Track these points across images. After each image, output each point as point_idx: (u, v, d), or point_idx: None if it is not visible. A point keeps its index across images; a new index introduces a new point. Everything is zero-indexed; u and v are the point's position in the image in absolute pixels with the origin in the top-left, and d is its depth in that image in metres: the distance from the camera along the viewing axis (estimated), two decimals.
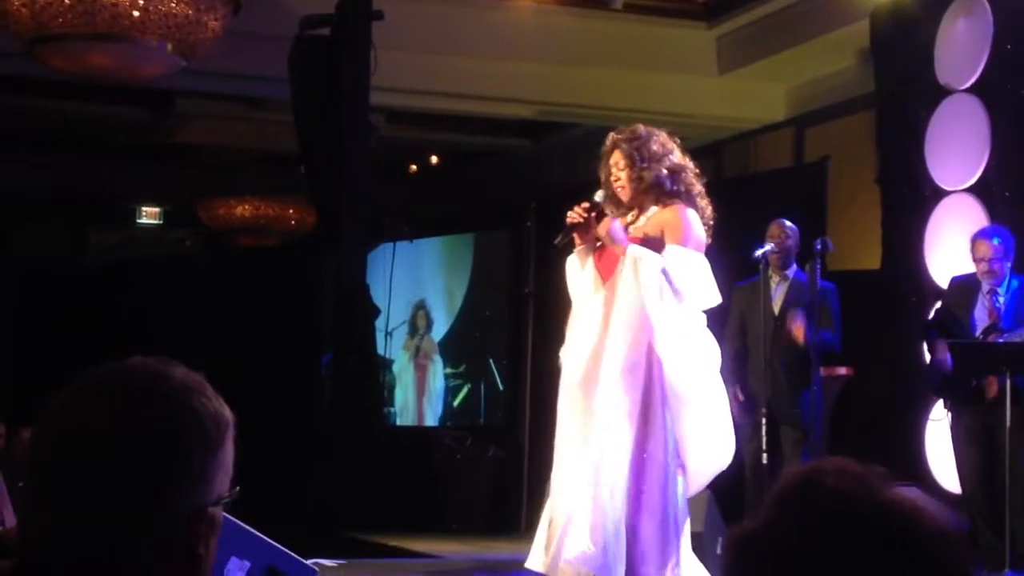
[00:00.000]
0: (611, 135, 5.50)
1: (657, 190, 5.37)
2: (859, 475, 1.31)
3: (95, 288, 14.35)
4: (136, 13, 8.51)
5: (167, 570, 1.48)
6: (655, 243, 5.33)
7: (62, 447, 1.49)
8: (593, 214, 5.41)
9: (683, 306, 5.19)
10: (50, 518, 1.48)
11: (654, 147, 5.37)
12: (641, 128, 5.46)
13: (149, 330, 11.65)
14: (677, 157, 5.42)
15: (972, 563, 1.29)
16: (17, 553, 1.51)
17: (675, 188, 5.36)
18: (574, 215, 5.39)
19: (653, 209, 5.39)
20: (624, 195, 5.41)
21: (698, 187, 5.44)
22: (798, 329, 7.54)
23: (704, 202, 5.44)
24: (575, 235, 5.44)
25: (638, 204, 5.43)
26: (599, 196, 5.45)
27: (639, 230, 5.39)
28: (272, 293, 12.78)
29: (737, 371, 7.55)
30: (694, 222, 5.33)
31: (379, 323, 11.50)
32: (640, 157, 5.36)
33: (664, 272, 5.17)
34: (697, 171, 5.49)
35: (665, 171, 5.35)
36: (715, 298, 5.31)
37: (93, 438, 1.47)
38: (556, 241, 5.50)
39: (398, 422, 13.16)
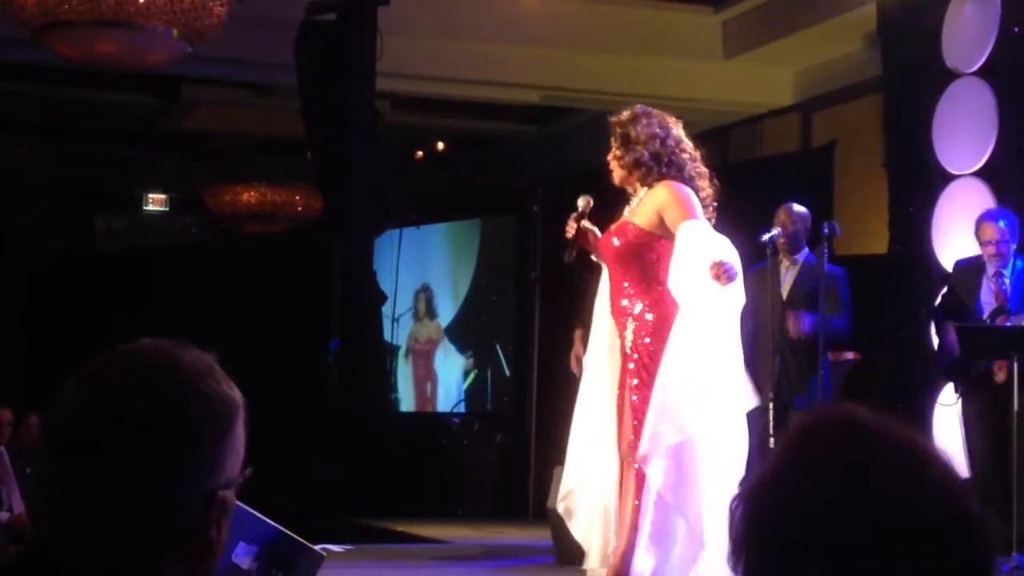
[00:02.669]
0: (610, 118, 5.48)
1: (639, 171, 5.31)
2: (876, 416, 1.30)
3: (102, 275, 14.37)
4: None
5: (179, 554, 1.49)
6: (645, 240, 5.27)
7: (72, 432, 1.49)
8: (583, 221, 5.39)
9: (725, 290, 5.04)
10: (61, 503, 1.49)
11: (639, 129, 5.30)
12: (637, 109, 5.40)
13: (156, 317, 11.66)
14: (672, 139, 5.32)
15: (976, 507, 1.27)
16: (25, 539, 1.52)
17: (661, 170, 5.28)
18: (568, 229, 5.39)
19: (642, 192, 5.36)
20: (615, 179, 5.40)
21: (695, 168, 5.33)
22: (794, 327, 7.51)
23: (704, 183, 5.35)
24: (581, 244, 5.43)
25: (630, 186, 5.41)
26: (581, 203, 5.43)
27: (632, 213, 5.36)
28: (279, 280, 12.79)
29: (750, 362, 7.52)
30: (690, 193, 5.24)
31: (386, 309, 11.51)
32: (625, 139, 5.33)
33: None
34: (696, 153, 5.38)
35: (647, 153, 5.28)
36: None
37: (103, 422, 1.47)
38: (565, 258, 5.48)
39: (404, 408, 13.18)
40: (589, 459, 5.33)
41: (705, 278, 4.98)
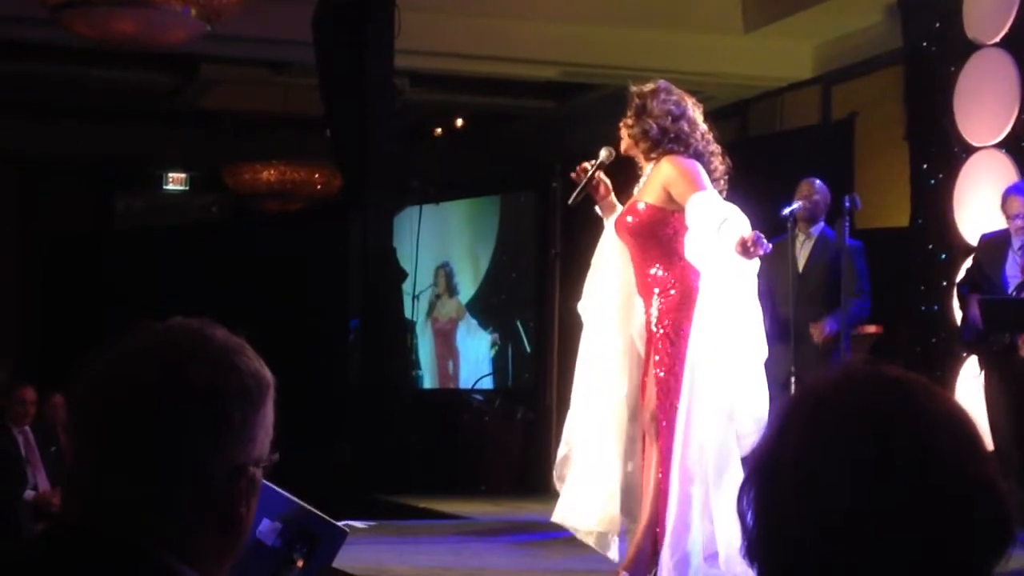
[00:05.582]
0: (631, 87, 5.47)
1: (644, 143, 5.29)
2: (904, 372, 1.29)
3: (123, 254, 14.40)
4: None
5: (209, 528, 1.49)
6: (658, 216, 5.25)
7: (103, 405, 1.50)
8: (598, 172, 5.39)
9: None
10: (91, 476, 1.49)
11: (655, 102, 5.29)
12: (659, 83, 5.39)
13: (176, 295, 11.69)
14: (686, 120, 5.30)
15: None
16: (50, 517, 1.53)
17: (667, 146, 5.26)
18: (577, 173, 5.39)
19: (649, 167, 5.35)
20: (622, 146, 5.40)
21: (705, 148, 5.30)
22: (819, 334, 7.49)
23: (716, 160, 5.32)
24: (590, 192, 5.43)
25: (635, 156, 5.40)
26: (603, 154, 5.43)
27: (641, 192, 5.34)
28: (299, 257, 12.80)
29: (769, 336, 7.51)
30: (696, 165, 5.22)
31: (406, 286, 11.51)
32: (640, 109, 5.32)
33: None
34: (709, 135, 5.35)
35: (656, 127, 5.26)
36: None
37: (137, 396, 1.48)
38: (570, 201, 5.49)
39: (426, 385, 13.20)
40: (585, 421, 5.35)
41: (722, 248, 4.98)
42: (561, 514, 5.40)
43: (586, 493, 5.34)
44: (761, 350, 5.16)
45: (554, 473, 5.47)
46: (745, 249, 4.91)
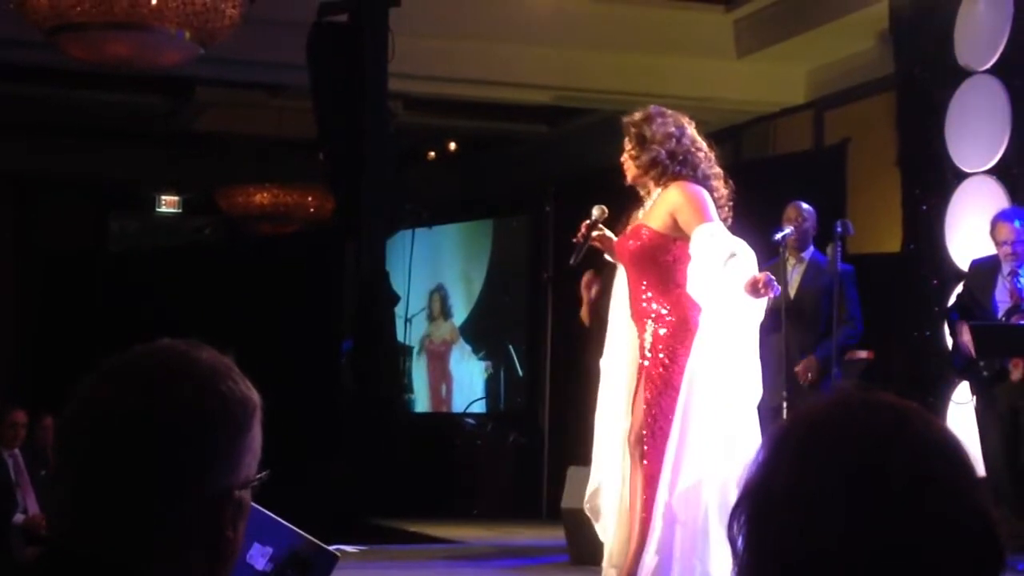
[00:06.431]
0: (623, 118, 5.46)
1: (655, 170, 5.26)
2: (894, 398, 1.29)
3: (116, 277, 14.40)
4: (154, 1, 8.52)
5: (196, 553, 1.49)
6: (660, 242, 5.26)
7: (90, 429, 1.49)
8: (594, 232, 5.39)
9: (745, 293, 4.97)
10: (77, 500, 1.49)
11: (654, 128, 5.26)
12: (651, 109, 5.37)
13: (169, 319, 11.68)
14: (687, 139, 5.29)
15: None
16: (40, 540, 1.52)
17: (676, 169, 5.24)
18: (578, 237, 5.41)
19: (656, 192, 5.33)
20: (628, 176, 5.39)
21: (710, 169, 5.29)
22: (805, 374, 7.51)
23: (719, 183, 5.31)
24: (593, 245, 5.43)
25: (643, 185, 5.39)
26: (596, 213, 5.42)
27: (646, 216, 5.34)
28: (292, 280, 12.80)
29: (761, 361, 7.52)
30: (704, 194, 5.20)
31: (398, 309, 11.51)
32: (641, 139, 5.32)
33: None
34: (710, 154, 5.35)
35: (664, 152, 5.25)
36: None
37: (121, 419, 1.48)
38: (571, 261, 5.48)
39: (419, 408, 13.19)
40: (611, 460, 5.34)
41: (726, 284, 4.96)
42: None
43: (605, 531, 5.35)
44: (756, 393, 5.13)
45: (585, 505, 5.46)
46: (755, 289, 4.90)
